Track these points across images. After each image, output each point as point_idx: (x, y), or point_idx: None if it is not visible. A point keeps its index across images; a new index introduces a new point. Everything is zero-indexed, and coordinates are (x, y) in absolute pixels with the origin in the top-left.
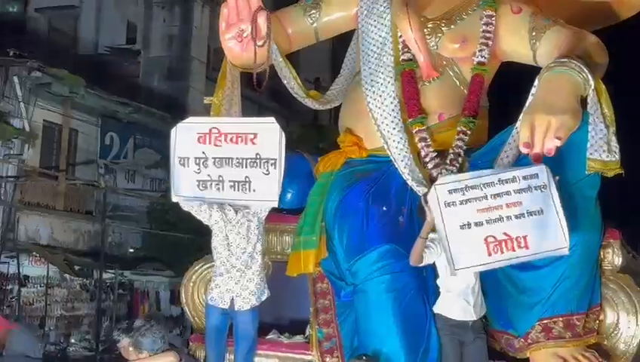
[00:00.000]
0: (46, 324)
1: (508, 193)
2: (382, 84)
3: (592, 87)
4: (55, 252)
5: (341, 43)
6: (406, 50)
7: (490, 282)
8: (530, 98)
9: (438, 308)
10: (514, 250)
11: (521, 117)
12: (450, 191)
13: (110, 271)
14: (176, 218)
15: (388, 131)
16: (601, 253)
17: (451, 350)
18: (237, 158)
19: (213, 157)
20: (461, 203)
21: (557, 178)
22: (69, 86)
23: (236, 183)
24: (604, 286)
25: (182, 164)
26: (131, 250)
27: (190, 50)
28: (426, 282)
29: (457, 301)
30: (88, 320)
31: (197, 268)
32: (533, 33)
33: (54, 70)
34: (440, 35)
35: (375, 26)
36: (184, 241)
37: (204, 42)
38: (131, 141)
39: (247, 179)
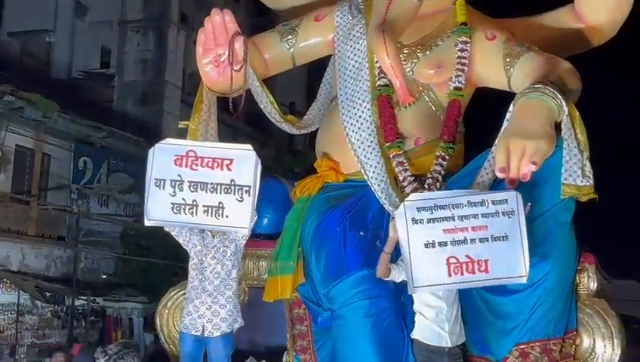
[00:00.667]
0: (17, 352)
1: (475, 216)
2: (358, 109)
3: (566, 112)
4: (26, 278)
5: (316, 67)
6: (382, 75)
7: (468, 307)
8: (505, 123)
9: (415, 333)
10: (474, 273)
11: (496, 142)
12: (418, 209)
13: (82, 297)
14: (150, 243)
15: (365, 156)
16: (577, 278)
17: None
18: (212, 183)
19: (189, 181)
20: (428, 221)
21: (528, 206)
22: (42, 110)
23: (210, 208)
24: (580, 310)
25: (157, 186)
26: (104, 276)
27: (165, 75)
28: (404, 307)
29: (431, 327)
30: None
31: (172, 294)
32: (508, 59)
33: (27, 94)
34: (416, 60)
35: (351, 52)
36: (158, 267)
37: (179, 66)
38: (105, 166)
39: (220, 205)
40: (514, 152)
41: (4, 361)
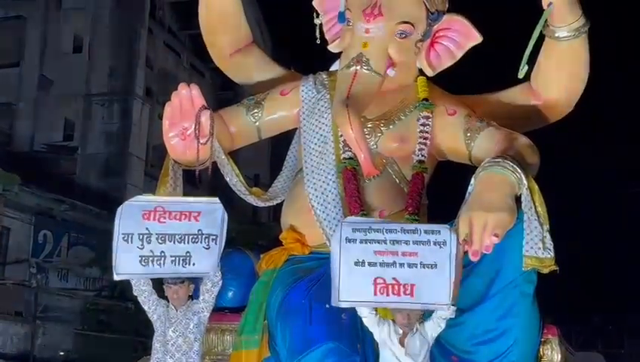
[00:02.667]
0: None
1: (407, 242)
2: (324, 181)
3: (526, 186)
4: None
5: (280, 140)
6: (347, 148)
7: None
8: (467, 196)
9: None
10: (399, 296)
11: (459, 214)
12: (353, 230)
13: None
14: (110, 318)
15: (330, 228)
16: (541, 350)
17: None
18: (179, 235)
19: (156, 234)
20: (361, 241)
21: (462, 241)
22: (2, 183)
23: (177, 258)
24: None
25: (125, 240)
26: (62, 353)
27: (128, 147)
28: None
29: None
30: None
31: None
32: (468, 134)
33: None
34: (379, 134)
35: (317, 125)
36: (119, 342)
37: (143, 139)
38: (65, 239)
39: (187, 254)
40: (476, 225)
41: None
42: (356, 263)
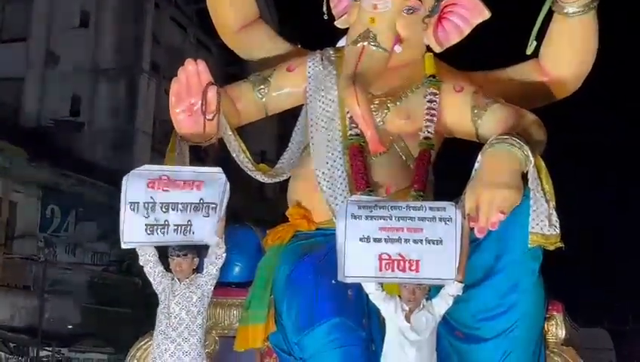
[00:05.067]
0: None
1: (412, 218)
2: (330, 158)
3: (533, 163)
4: None
5: (287, 116)
6: (353, 125)
7: (438, 355)
8: (473, 173)
9: None
10: (404, 271)
11: (465, 191)
12: (359, 207)
13: (47, 348)
14: (117, 293)
15: (336, 204)
16: (545, 326)
17: None
18: (182, 203)
19: (160, 203)
20: (366, 218)
21: (467, 216)
22: (9, 158)
23: (179, 227)
24: (549, 359)
25: (132, 209)
26: (70, 327)
27: (135, 123)
28: (375, 355)
29: None
30: None
31: (141, 344)
32: (475, 111)
33: None
34: (386, 111)
35: (323, 102)
36: (126, 316)
37: (150, 114)
38: (73, 214)
39: (189, 223)
40: (482, 202)
41: None
42: (362, 239)
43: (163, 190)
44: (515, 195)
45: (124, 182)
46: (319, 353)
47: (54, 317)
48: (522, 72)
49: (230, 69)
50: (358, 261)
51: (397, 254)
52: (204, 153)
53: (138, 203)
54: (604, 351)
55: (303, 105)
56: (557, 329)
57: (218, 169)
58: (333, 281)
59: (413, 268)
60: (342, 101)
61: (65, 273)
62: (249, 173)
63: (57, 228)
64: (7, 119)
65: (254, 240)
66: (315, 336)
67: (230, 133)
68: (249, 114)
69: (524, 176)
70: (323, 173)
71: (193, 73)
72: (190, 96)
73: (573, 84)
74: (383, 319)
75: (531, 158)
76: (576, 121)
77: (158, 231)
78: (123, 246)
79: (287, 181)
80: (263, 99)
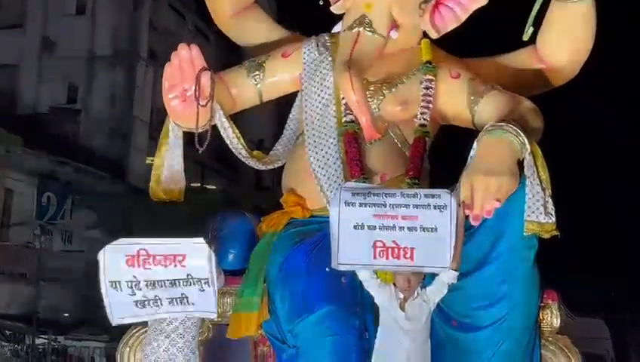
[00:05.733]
0: None
1: (407, 206)
2: (325, 145)
3: (529, 150)
4: None
5: (285, 105)
6: (348, 112)
7: (432, 343)
8: (469, 160)
9: None
10: (399, 259)
11: (460, 179)
12: (353, 194)
13: (43, 336)
14: None
15: (331, 191)
16: (540, 315)
17: None
18: (169, 280)
19: (145, 281)
20: (360, 205)
21: (462, 204)
22: (5, 145)
23: (174, 299)
24: (544, 347)
25: (114, 288)
26: (66, 315)
27: (132, 110)
28: (368, 343)
29: (387, 356)
30: None
31: (134, 331)
32: (472, 97)
33: None
34: (382, 97)
35: (318, 88)
36: None
37: (147, 102)
38: (69, 201)
39: (183, 296)
40: (477, 189)
41: None
42: (355, 226)
43: (144, 268)
44: (511, 183)
45: (100, 258)
46: (312, 341)
47: (50, 305)
48: (519, 58)
49: (228, 56)
50: (352, 248)
51: (391, 241)
52: (197, 140)
53: (119, 281)
54: (600, 341)
55: (298, 91)
56: (552, 318)
57: (199, 239)
58: (326, 269)
59: (408, 255)
60: (337, 87)
61: (61, 261)
62: (243, 159)
63: (53, 215)
64: (3, 106)
65: (248, 228)
66: (307, 324)
67: (224, 119)
68: (243, 100)
69: (520, 164)
70: (317, 160)
71: (186, 58)
72: (183, 82)
73: (571, 71)
74: (377, 307)
75: (527, 146)
76: (573, 113)
77: (151, 304)
78: (115, 323)
79: (283, 169)
80: (258, 85)
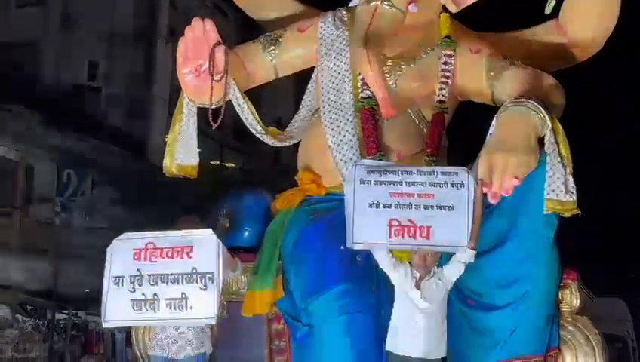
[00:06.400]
0: None
1: (423, 183)
2: (341, 121)
3: (550, 127)
4: (7, 291)
5: (303, 83)
6: (365, 87)
7: (448, 321)
8: (488, 137)
9: (387, 344)
10: (415, 238)
11: (479, 156)
12: (368, 171)
13: (64, 311)
14: None
15: (346, 169)
16: (560, 294)
17: None
18: (172, 274)
19: (148, 275)
20: (376, 183)
21: (480, 181)
22: (26, 122)
23: (172, 301)
24: (562, 328)
25: (116, 284)
26: (87, 290)
27: (152, 88)
28: (383, 322)
29: (404, 336)
30: None
31: None
32: (492, 73)
33: (12, 106)
34: (399, 73)
35: (334, 64)
36: None
37: (167, 80)
38: (89, 178)
39: (183, 296)
40: (496, 167)
41: None
42: (371, 205)
43: (150, 261)
44: (531, 160)
45: (108, 253)
46: (326, 319)
47: (71, 281)
48: (540, 33)
49: (248, 35)
50: (367, 227)
51: (407, 220)
52: (211, 116)
53: (123, 276)
54: (621, 322)
55: (314, 67)
56: (571, 298)
57: (208, 230)
58: (342, 247)
59: (424, 234)
60: (353, 63)
61: (81, 237)
62: (258, 136)
63: (74, 192)
64: (23, 84)
65: (264, 205)
66: (322, 302)
67: (239, 94)
68: (259, 76)
69: (541, 141)
70: (333, 136)
71: (200, 32)
72: (197, 57)
73: (594, 47)
74: (392, 286)
75: (548, 122)
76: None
77: (147, 306)
78: (104, 324)
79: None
80: (273, 61)
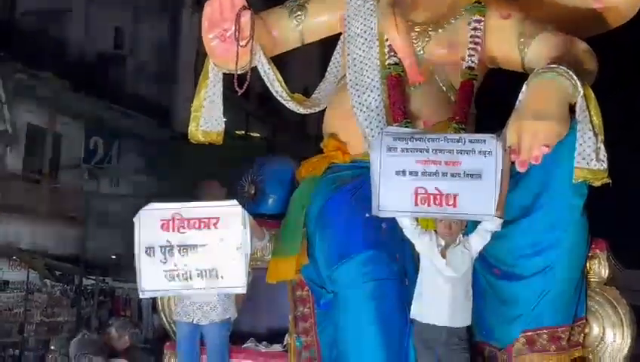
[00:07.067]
0: (25, 330)
1: (450, 151)
2: (367, 87)
3: (581, 93)
4: (35, 256)
5: (330, 52)
6: (392, 53)
7: (473, 292)
8: (517, 104)
9: (412, 312)
10: (441, 206)
11: (508, 123)
12: (394, 139)
13: (91, 277)
14: None
15: (372, 136)
16: (588, 265)
17: (425, 359)
18: (202, 245)
19: (178, 246)
20: (402, 150)
21: (508, 149)
22: (54, 89)
23: (203, 271)
24: (590, 298)
25: (148, 254)
26: (113, 256)
27: (178, 56)
28: (407, 289)
29: (428, 305)
30: (68, 326)
31: None
32: (522, 39)
33: (39, 72)
34: (427, 39)
35: (361, 30)
36: None
37: (193, 48)
38: (116, 146)
39: (213, 267)
40: (525, 134)
41: (12, 338)
42: (397, 172)
43: (179, 231)
44: (561, 127)
45: (135, 222)
46: (351, 286)
47: (98, 247)
48: None
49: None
50: (393, 195)
51: (434, 188)
52: (236, 82)
53: (154, 247)
54: None
55: (340, 33)
56: (600, 269)
57: (234, 202)
58: (367, 215)
59: (451, 202)
60: (381, 28)
61: (109, 204)
62: (283, 102)
63: (101, 159)
64: (51, 51)
65: (289, 172)
66: (347, 269)
67: (265, 60)
68: (285, 42)
69: (572, 108)
70: (359, 103)
71: None
72: (223, 22)
73: (629, 11)
74: (418, 254)
75: (580, 89)
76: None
77: (180, 276)
78: (142, 296)
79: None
80: (300, 27)
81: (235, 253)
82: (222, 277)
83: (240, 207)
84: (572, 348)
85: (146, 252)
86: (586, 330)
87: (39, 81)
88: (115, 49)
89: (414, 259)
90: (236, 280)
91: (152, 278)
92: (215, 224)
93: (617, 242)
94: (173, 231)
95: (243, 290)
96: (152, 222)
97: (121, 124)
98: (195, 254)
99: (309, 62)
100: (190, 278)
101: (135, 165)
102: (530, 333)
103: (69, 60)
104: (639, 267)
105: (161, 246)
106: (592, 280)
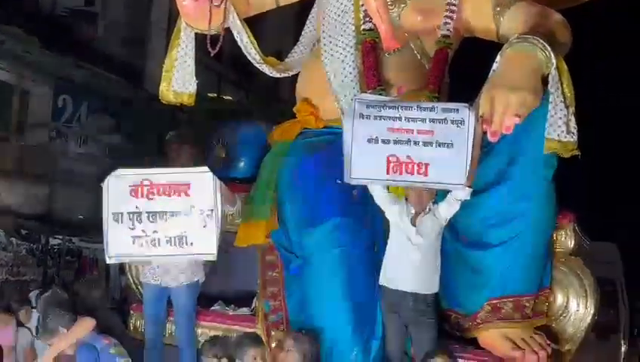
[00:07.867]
0: None
1: (423, 120)
2: (341, 53)
3: (555, 65)
4: (1, 215)
5: (305, 16)
6: (367, 19)
7: (442, 260)
8: (491, 73)
9: (380, 278)
10: (412, 174)
11: (480, 93)
12: (367, 106)
13: (58, 236)
14: None
15: (345, 102)
16: (554, 235)
17: (392, 324)
18: (171, 212)
19: (146, 212)
20: (375, 118)
21: (480, 119)
22: (22, 46)
23: (172, 238)
24: (556, 268)
25: (116, 220)
26: (81, 217)
27: (150, 15)
28: (376, 256)
29: (395, 269)
30: (34, 285)
31: None
32: (498, 9)
33: (7, 28)
34: (403, 5)
35: None
36: None
37: (165, 8)
38: (85, 105)
39: (183, 233)
40: (498, 104)
41: None
42: (369, 140)
43: (148, 198)
44: (533, 98)
45: (104, 188)
46: (319, 251)
47: (65, 207)
48: None
49: None
50: (365, 162)
51: (406, 156)
52: (209, 43)
53: (122, 213)
54: (612, 265)
55: None
56: (566, 240)
57: (205, 168)
58: (338, 181)
59: (422, 171)
60: None
61: (76, 163)
62: (257, 65)
63: (69, 118)
64: (20, 7)
65: (261, 136)
66: (316, 235)
67: (238, 22)
68: (259, 3)
69: (545, 79)
70: (333, 68)
71: None
72: None
73: None
74: (388, 221)
75: (553, 60)
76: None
77: (148, 242)
78: (108, 261)
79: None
80: None
81: (206, 220)
82: (192, 243)
83: (211, 173)
84: (536, 316)
85: (113, 218)
86: (551, 299)
87: (7, 36)
88: (86, 6)
89: (385, 226)
90: (207, 247)
91: (119, 244)
92: (186, 191)
93: (584, 215)
94: (142, 197)
95: (214, 257)
96: (120, 188)
97: (90, 83)
98: (164, 221)
99: (284, 26)
100: (159, 245)
101: (104, 125)
102: (495, 301)
103: (39, 16)
104: (604, 239)
105: (129, 213)
106: (558, 250)
